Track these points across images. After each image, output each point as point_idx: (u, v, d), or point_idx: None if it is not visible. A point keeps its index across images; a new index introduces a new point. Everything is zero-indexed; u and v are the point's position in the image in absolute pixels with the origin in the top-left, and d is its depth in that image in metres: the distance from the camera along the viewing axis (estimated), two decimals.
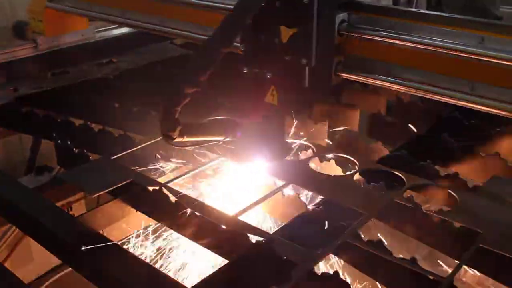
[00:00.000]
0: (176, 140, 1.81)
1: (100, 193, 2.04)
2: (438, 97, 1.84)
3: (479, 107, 1.77)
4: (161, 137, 1.99)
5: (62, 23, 3.26)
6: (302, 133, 2.37)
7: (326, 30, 1.85)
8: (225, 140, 2.00)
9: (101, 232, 1.96)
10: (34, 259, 3.43)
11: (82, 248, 1.73)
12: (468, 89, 1.78)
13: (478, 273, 1.80)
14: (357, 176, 2.06)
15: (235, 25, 1.77)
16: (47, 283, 3.36)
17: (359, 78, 1.99)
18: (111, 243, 1.78)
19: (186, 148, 1.98)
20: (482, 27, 1.72)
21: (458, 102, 1.81)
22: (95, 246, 1.77)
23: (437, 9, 2.92)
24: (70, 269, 2.66)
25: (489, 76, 1.72)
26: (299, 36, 1.82)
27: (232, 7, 1.79)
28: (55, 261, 2.79)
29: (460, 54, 1.73)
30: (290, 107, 2.05)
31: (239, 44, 1.95)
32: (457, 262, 1.66)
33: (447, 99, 1.83)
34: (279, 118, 2.03)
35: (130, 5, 2.78)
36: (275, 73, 1.90)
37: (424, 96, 1.92)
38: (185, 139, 1.84)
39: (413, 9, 2.02)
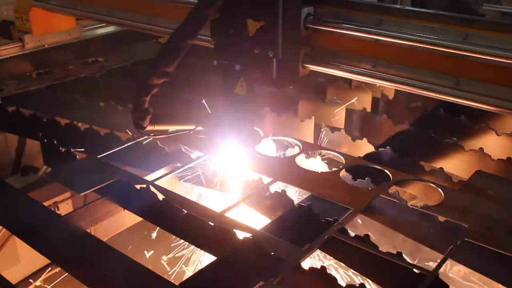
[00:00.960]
0: (147, 129, 1.89)
1: (87, 192, 2.04)
2: (409, 88, 1.89)
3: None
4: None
5: (49, 22, 3.23)
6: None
7: (292, 24, 1.90)
8: (195, 129, 2.07)
9: (88, 231, 1.96)
10: (21, 259, 3.41)
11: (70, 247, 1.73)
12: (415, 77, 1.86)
13: (463, 267, 1.83)
14: (343, 172, 2.07)
15: (199, 19, 1.84)
16: (34, 284, 3.35)
17: (326, 70, 2.03)
18: (99, 241, 1.79)
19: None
20: (431, 18, 1.79)
21: (417, 91, 1.87)
22: (83, 245, 1.77)
23: (421, 7, 2.95)
24: (58, 269, 2.65)
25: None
26: (266, 29, 1.88)
27: None
28: (42, 261, 2.78)
29: (419, 45, 1.79)
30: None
31: (209, 38, 2.02)
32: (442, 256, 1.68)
33: (418, 90, 1.87)
34: (247, 108, 2.07)
35: (117, 3, 2.77)
36: (244, 65, 1.97)
37: (395, 88, 1.98)
38: (156, 128, 1.92)
39: (380, 4, 2.04)
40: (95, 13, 2.91)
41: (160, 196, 1.96)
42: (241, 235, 1.74)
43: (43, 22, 3.22)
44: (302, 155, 2.21)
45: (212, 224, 1.80)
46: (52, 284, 2.92)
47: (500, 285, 1.66)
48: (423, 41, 1.77)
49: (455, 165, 2.28)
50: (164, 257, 2.55)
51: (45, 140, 2.47)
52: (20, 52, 3.20)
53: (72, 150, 2.33)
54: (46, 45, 3.27)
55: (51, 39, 3.29)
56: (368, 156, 2.24)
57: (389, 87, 2.11)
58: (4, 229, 3.22)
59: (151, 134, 2.00)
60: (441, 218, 1.81)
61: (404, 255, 1.64)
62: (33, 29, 3.20)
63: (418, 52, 1.80)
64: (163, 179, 2.10)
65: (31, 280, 3.30)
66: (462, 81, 1.75)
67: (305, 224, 1.83)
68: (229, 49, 1.98)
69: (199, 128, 2.08)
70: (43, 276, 2.91)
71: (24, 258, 3.37)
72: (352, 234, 1.75)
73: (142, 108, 1.84)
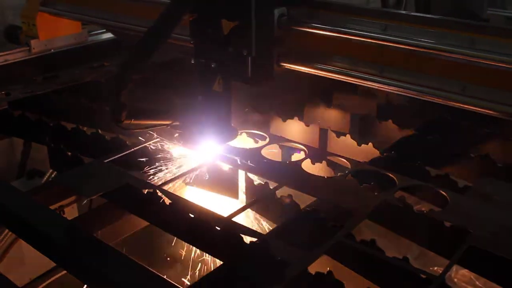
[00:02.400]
0: (124, 122, 1.95)
1: (94, 196, 2.05)
2: (386, 88, 1.99)
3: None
4: (154, 140, 2.02)
5: (55, 27, 3.27)
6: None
7: (265, 24, 2.01)
8: (172, 124, 2.14)
9: (95, 235, 1.97)
10: (27, 262, 3.42)
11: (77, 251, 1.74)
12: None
13: (469, 272, 1.83)
14: (349, 177, 2.08)
15: (173, 17, 1.93)
16: (40, 287, 3.35)
17: (302, 68, 2.15)
18: (105, 246, 1.79)
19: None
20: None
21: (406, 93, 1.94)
22: (90, 249, 1.78)
23: (426, 13, 2.95)
24: (63, 272, 2.66)
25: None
26: (240, 29, 1.96)
27: None
28: (48, 265, 2.79)
29: (399, 46, 1.87)
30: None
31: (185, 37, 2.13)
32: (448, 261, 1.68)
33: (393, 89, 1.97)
34: (223, 103, 2.13)
35: (122, 8, 2.79)
36: (221, 63, 2.05)
37: (377, 88, 2.05)
38: (133, 122, 1.99)
39: (354, 5, 2.12)
40: (101, 18, 2.93)
41: (167, 201, 1.97)
42: (247, 239, 1.74)
43: (49, 26, 3.25)
44: (308, 160, 2.21)
45: (219, 228, 1.81)
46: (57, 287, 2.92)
47: None
48: (421, 46, 1.79)
49: (461, 170, 2.28)
50: (171, 261, 2.56)
51: (52, 145, 2.47)
52: (27, 56, 3.23)
53: (78, 154, 2.34)
54: (52, 50, 3.30)
55: (57, 43, 3.32)
56: (373, 161, 2.25)
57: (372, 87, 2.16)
58: (10, 232, 3.23)
59: (130, 128, 2.05)
60: (447, 223, 1.81)
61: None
62: (40, 34, 3.24)
63: (394, 52, 1.88)
64: (170, 184, 2.11)
65: (36, 283, 3.30)
66: (468, 87, 1.76)
67: (311, 229, 1.84)
68: (207, 48, 2.06)
69: (175, 123, 2.15)
70: (49, 280, 2.92)
71: (30, 261, 3.38)
72: (358, 239, 1.75)
73: (119, 102, 1.92)
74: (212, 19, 2.01)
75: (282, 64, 2.14)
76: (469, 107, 1.78)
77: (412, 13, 1.99)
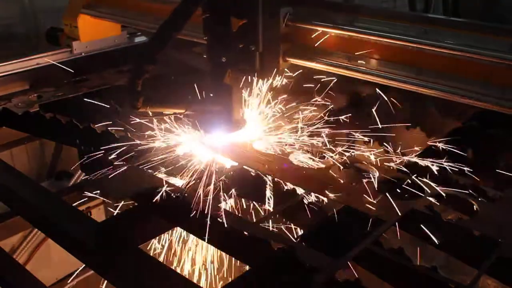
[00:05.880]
0: (140, 110, 2.10)
1: (122, 199, 2.07)
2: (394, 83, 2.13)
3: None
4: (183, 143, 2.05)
5: (96, 29, 3.37)
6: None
7: (272, 21, 2.18)
8: (186, 113, 2.26)
9: (123, 237, 1.99)
10: (54, 262, 3.47)
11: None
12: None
13: (497, 282, 1.81)
14: (376, 184, 2.07)
15: (185, 12, 2.06)
16: (66, 287, 3.40)
17: (306, 63, 2.35)
18: (134, 248, 1.82)
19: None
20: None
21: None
22: (118, 251, 1.80)
23: (455, 17, 2.94)
24: (90, 272, 2.69)
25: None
26: (248, 26, 2.11)
27: None
28: (75, 265, 2.83)
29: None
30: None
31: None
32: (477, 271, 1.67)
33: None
34: (231, 95, 2.27)
35: (162, 12, 2.82)
36: (231, 57, 2.19)
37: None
38: (149, 109, 2.14)
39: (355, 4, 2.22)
40: (142, 21, 2.97)
41: (196, 205, 1.98)
42: (275, 245, 1.75)
43: (90, 29, 3.34)
44: (335, 167, 2.21)
45: (246, 233, 1.82)
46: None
47: None
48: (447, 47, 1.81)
49: (490, 179, 2.26)
50: (199, 265, 2.58)
51: (82, 147, 2.50)
52: (62, 59, 3.28)
53: (109, 157, 2.36)
54: (92, 52, 3.41)
55: (98, 45, 3.40)
56: (400, 168, 2.24)
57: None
58: (38, 232, 3.28)
59: (148, 114, 2.20)
60: (476, 232, 1.80)
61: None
62: (81, 36, 3.34)
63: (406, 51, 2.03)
64: (198, 188, 2.12)
65: (63, 283, 3.35)
66: (507, 91, 1.76)
67: (338, 236, 1.84)
68: (218, 44, 2.20)
69: (189, 112, 2.27)
70: (76, 280, 2.96)
71: (57, 261, 3.43)
72: (386, 247, 1.75)
73: (136, 90, 2.06)
74: (222, 17, 2.13)
75: (288, 59, 2.33)
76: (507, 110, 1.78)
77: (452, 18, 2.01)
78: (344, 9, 2.15)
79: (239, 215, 1.95)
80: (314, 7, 2.25)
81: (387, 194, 2.04)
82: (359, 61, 2.20)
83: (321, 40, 2.28)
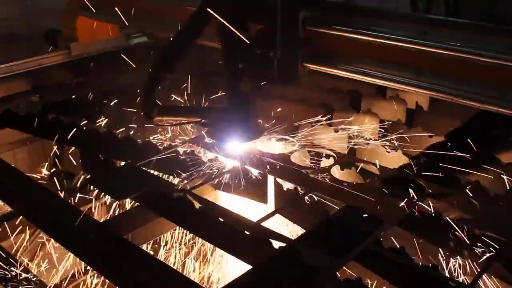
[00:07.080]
0: (156, 118, 2.08)
1: (125, 199, 2.07)
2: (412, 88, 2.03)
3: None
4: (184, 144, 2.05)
5: (94, 30, 3.36)
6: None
7: (290, 26, 2.07)
8: (200, 122, 2.23)
9: (125, 237, 1.99)
10: (58, 263, 3.46)
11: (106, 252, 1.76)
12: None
13: (499, 281, 1.81)
14: (378, 184, 2.07)
15: (202, 20, 2.03)
16: (69, 287, 3.39)
17: (325, 69, 2.21)
18: (135, 248, 1.82)
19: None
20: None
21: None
22: (120, 251, 1.80)
23: (455, 17, 2.93)
24: (93, 273, 2.69)
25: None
26: (266, 32, 2.04)
27: None
28: (78, 265, 2.83)
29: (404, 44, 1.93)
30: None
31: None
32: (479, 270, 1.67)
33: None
34: (249, 102, 2.22)
35: (161, 13, 2.82)
36: (248, 63, 2.13)
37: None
38: (164, 118, 2.12)
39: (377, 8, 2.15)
40: (142, 22, 2.98)
41: (197, 205, 1.99)
42: (276, 244, 1.75)
43: (89, 30, 3.34)
44: (337, 166, 2.21)
45: (248, 233, 1.82)
46: None
47: None
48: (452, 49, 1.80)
49: (492, 179, 2.26)
50: (200, 264, 2.58)
51: (84, 148, 2.51)
52: (65, 60, 3.28)
53: (110, 157, 2.37)
54: (93, 53, 3.40)
55: (96, 46, 3.40)
56: (403, 168, 2.24)
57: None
58: (41, 233, 3.28)
59: (160, 123, 2.17)
60: (477, 231, 1.80)
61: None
62: (79, 37, 3.34)
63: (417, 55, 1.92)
64: (200, 188, 2.13)
65: (66, 283, 3.35)
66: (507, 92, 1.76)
67: (339, 235, 1.84)
68: (234, 50, 2.13)
69: (204, 120, 2.24)
70: (79, 280, 2.96)
71: (60, 262, 3.42)
72: (387, 246, 1.75)
73: (151, 100, 2.04)
74: (239, 23, 2.06)
75: (307, 65, 2.19)
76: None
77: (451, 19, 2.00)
78: (367, 13, 2.05)
79: (240, 214, 1.94)
80: (335, 11, 2.15)
81: (389, 193, 2.05)
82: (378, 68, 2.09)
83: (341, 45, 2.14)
